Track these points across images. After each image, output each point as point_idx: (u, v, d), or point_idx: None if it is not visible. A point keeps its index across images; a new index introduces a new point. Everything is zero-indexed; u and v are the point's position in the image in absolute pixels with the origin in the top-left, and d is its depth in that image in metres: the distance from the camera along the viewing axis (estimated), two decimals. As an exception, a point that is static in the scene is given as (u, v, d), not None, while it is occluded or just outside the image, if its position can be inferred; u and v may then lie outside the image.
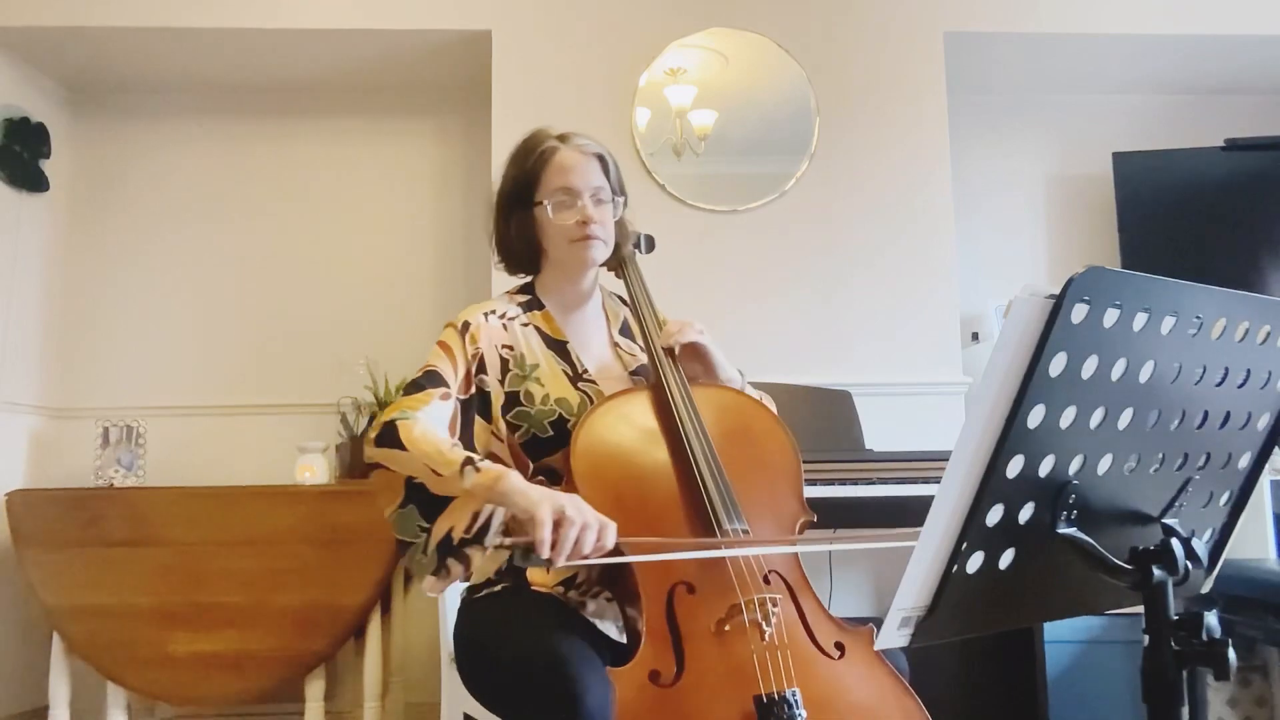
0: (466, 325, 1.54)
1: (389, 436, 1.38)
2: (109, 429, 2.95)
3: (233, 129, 3.44)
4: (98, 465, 2.93)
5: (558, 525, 1.24)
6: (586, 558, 1.26)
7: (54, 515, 2.67)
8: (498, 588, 1.50)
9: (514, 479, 1.32)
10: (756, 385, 1.72)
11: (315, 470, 2.92)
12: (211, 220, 3.39)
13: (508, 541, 1.28)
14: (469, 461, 1.32)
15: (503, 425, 1.52)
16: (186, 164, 3.41)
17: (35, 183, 3.16)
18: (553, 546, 1.22)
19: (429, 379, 1.47)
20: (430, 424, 1.41)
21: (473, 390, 1.51)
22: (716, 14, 3.08)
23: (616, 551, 1.29)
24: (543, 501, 1.26)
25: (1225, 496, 1.04)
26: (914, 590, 0.84)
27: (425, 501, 1.36)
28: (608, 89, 3.06)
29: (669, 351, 1.54)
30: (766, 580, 1.37)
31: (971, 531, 0.82)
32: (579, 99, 3.05)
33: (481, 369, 1.52)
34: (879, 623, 0.86)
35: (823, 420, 2.56)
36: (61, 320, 3.31)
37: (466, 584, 1.57)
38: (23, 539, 2.66)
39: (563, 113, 3.00)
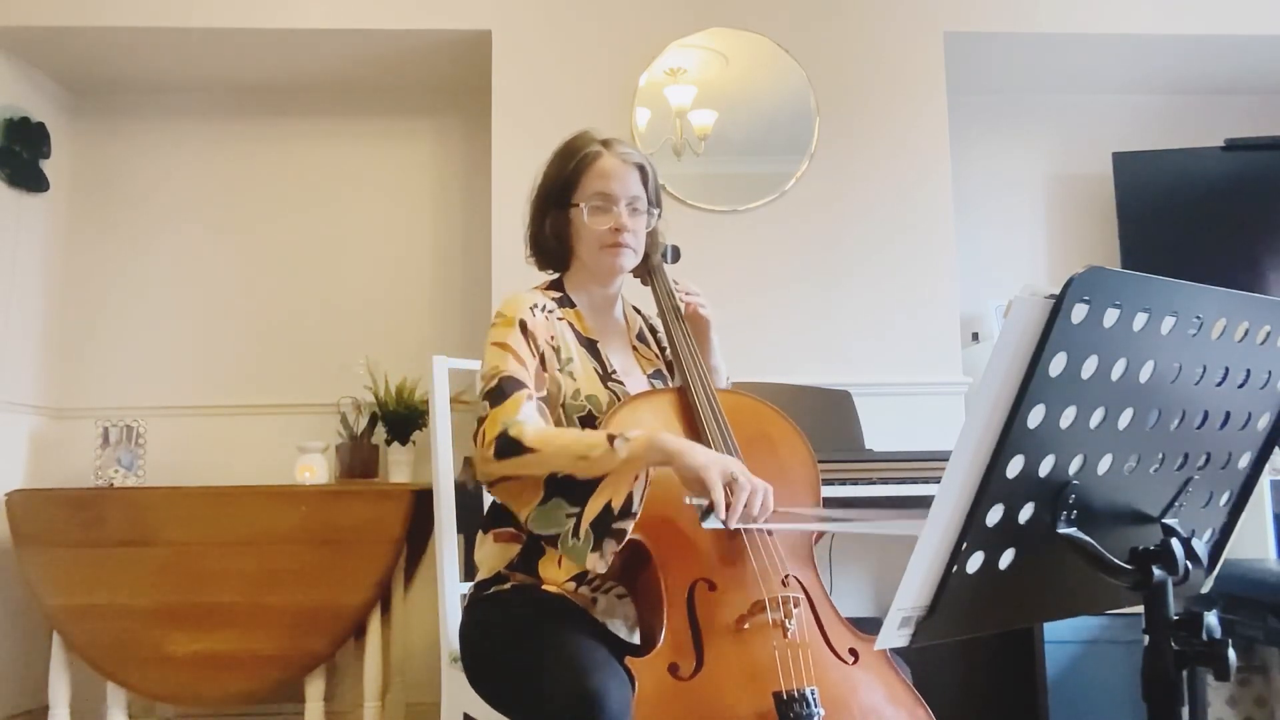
0: (524, 325, 1.53)
1: (510, 447, 1.37)
2: (109, 429, 2.95)
3: (233, 129, 3.44)
4: (98, 465, 2.93)
5: (729, 488, 1.29)
6: (755, 520, 1.30)
7: (54, 515, 2.68)
8: (507, 586, 1.50)
9: (668, 436, 1.34)
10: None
11: (315, 470, 2.92)
12: (211, 220, 3.39)
13: (692, 502, 1.29)
14: (613, 436, 1.34)
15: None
16: (186, 164, 3.41)
17: (35, 183, 3.16)
18: (727, 508, 1.27)
19: (509, 384, 1.44)
20: (539, 421, 1.42)
21: (545, 389, 1.52)
22: (716, 14, 3.08)
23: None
24: (710, 464, 1.30)
25: (1225, 496, 1.04)
26: (914, 590, 0.84)
27: (569, 490, 1.38)
28: (608, 89, 3.06)
29: (682, 317, 1.61)
30: (784, 582, 1.38)
31: (971, 531, 0.82)
32: (579, 99, 3.05)
33: (543, 365, 1.53)
34: (879, 623, 0.86)
35: (823, 420, 2.56)
36: (61, 320, 3.31)
37: (473, 582, 1.58)
38: (23, 539, 2.66)
39: (562, 113, 3.01)
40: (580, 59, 3.07)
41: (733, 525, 1.28)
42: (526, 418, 1.40)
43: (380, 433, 3.11)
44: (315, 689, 2.67)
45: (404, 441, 3.07)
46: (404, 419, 3.06)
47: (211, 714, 3.07)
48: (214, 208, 3.40)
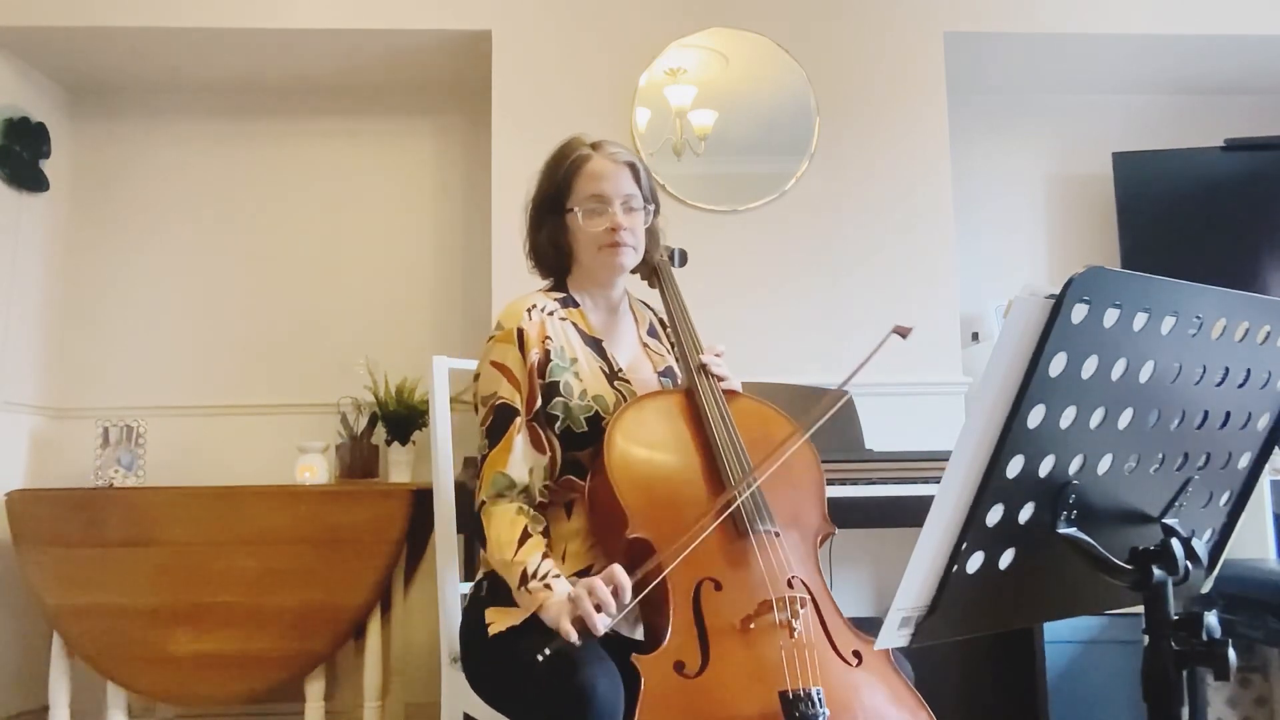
0: (521, 333, 1.55)
1: (481, 523, 1.50)
2: (109, 429, 2.95)
3: (233, 129, 3.43)
4: (98, 465, 2.93)
5: (582, 620, 1.29)
6: (626, 604, 1.31)
7: (54, 515, 2.67)
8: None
9: (548, 606, 1.36)
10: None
11: (315, 470, 2.92)
12: (211, 220, 3.39)
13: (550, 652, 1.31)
14: (523, 580, 1.40)
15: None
16: (186, 164, 3.41)
17: (35, 183, 3.16)
18: (593, 631, 1.28)
19: (503, 417, 1.52)
20: (503, 521, 1.46)
21: (539, 401, 1.54)
22: (716, 14, 3.08)
23: (642, 566, 1.34)
24: (560, 615, 1.32)
25: (1225, 496, 1.04)
26: (914, 590, 0.84)
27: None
28: (608, 89, 3.06)
29: (702, 367, 1.57)
30: (790, 584, 1.38)
31: (971, 531, 0.83)
32: (579, 99, 3.04)
33: (540, 373, 1.54)
34: (879, 623, 0.86)
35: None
36: (61, 320, 3.31)
37: (473, 582, 1.59)
38: (23, 539, 2.66)
39: (563, 113, 3.01)
40: (580, 59, 3.07)
41: (603, 629, 1.28)
42: (501, 509, 1.48)
43: (380, 433, 3.11)
44: (315, 689, 2.67)
45: (404, 441, 3.07)
46: (404, 419, 3.06)
47: (211, 714, 3.07)
48: (214, 208, 3.40)
